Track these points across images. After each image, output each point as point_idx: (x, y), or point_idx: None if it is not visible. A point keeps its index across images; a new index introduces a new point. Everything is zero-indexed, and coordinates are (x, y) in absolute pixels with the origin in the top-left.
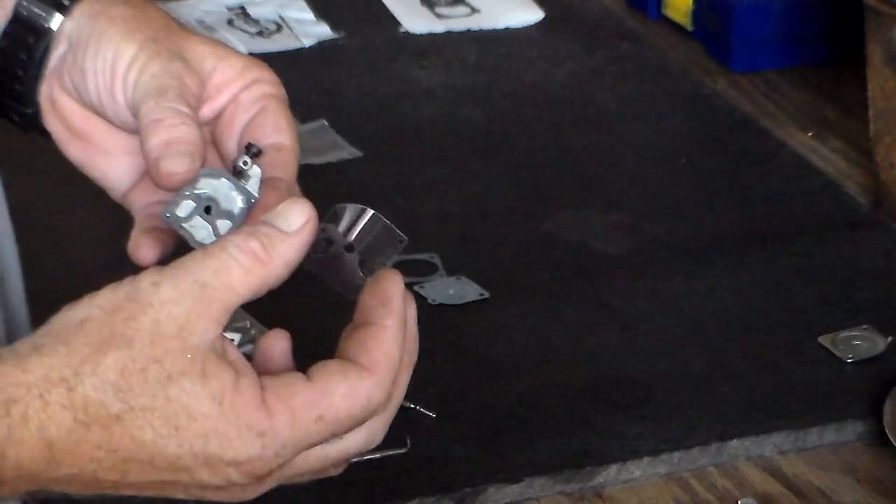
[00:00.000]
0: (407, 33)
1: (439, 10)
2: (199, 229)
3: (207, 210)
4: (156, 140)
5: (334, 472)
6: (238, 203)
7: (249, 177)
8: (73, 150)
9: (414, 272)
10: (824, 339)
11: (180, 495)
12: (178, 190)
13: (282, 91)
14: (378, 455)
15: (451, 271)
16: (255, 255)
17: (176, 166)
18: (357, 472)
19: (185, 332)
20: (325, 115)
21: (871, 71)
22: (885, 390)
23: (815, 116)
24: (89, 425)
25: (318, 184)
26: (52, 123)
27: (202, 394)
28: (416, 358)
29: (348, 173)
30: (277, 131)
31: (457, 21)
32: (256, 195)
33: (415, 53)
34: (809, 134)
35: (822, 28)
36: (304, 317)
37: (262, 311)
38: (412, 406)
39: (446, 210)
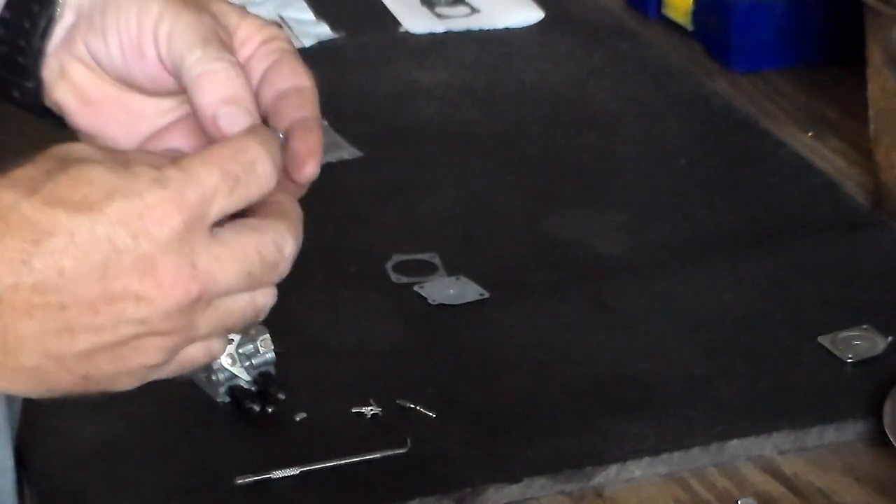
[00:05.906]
0: (407, 33)
1: (439, 10)
2: None
3: None
4: (212, 95)
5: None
6: None
7: None
8: (83, 120)
9: (414, 272)
10: (824, 339)
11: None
12: None
13: (295, 49)
14: (378, 455)
15: (451, 271)
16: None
17: (237, 125)
18: (357, 472)
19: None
20: (325, 115)
21: (871, 71)
22: (885, 390)
23: (815, 116)
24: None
25: (318, 184)
26: (61, 94)
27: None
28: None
29: (348, 173)
30: (296, 75)
31: (457, 21)
32: (281, 136)
33: (415, 53)
34: (809, 134)
35: (822, 28)
36: (303, 315)
37: None
38: (412, 406)
39: (446, 210)
